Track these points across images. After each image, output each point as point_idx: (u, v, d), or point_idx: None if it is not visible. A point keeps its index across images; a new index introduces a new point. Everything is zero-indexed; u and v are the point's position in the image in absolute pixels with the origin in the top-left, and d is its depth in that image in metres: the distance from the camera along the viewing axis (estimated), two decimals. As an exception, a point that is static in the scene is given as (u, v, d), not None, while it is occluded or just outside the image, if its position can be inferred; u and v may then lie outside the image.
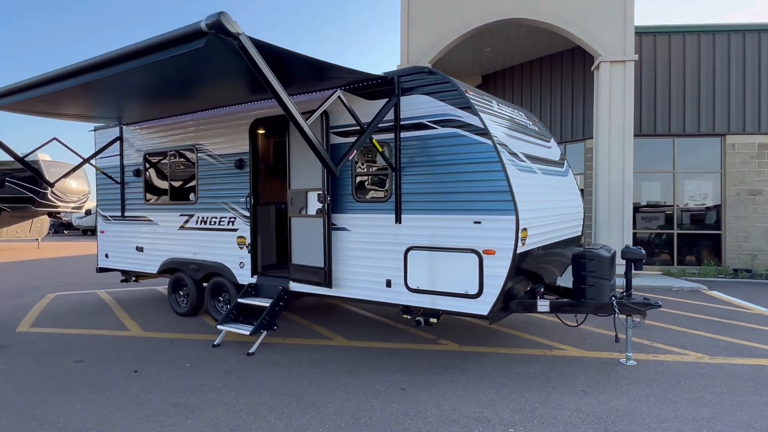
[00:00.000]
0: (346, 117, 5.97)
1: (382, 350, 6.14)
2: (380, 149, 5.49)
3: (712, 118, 12.83)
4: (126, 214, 8.71)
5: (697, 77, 12.87)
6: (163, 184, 8.23)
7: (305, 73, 5.42)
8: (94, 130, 9.28)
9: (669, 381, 5.09)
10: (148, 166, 8.42)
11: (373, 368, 5.49)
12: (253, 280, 6.93)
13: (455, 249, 5.23)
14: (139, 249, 8.46)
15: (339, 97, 5.11)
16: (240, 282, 7.12)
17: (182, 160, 7.93)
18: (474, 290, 5.12)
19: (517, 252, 4.91)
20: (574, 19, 11.52)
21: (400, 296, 5.64)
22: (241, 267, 7.08)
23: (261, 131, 7.57)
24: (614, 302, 5.48)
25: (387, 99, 5.64)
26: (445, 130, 5.27)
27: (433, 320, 5.73)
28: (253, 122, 6.92)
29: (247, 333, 6.07)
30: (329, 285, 6.02)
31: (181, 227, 7.83)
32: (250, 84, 6.06)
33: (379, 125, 5.72)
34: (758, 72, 12.70)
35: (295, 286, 6.47)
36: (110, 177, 8.69)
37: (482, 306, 5.10)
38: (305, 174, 6.22)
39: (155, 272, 8.26)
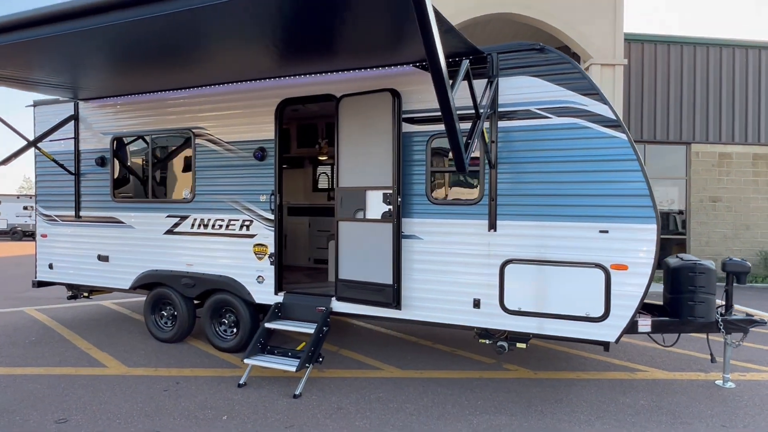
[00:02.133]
0: (419, 100, 4.88)
1: (451, 381, 5.13)
2: (488, 140, 4.48)
3: (679, 126, 13.24)
4: (83, 213, 6.84)
5: (667, 86, 13.21)
6: (142, 178, 6.53)
7: (380, 33, 4.22)
8: (34, 106, 7.25)
9: (791, 407, 4.63)
10: (118, 153, 6.65)
11: (463, 409, 4.47)
12: (279, 298, 5.58)
13: (573, 263, 4.37)
14: (102, 258, 6.66)
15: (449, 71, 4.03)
16: (257, 301, 5.72)
17: (172, 147, 6.31)
18: (598, 312, 4.29)
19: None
20: (568, 19, 11.23)
21: (492, 319, 4.68)
22: (260, 282, 5.69)
23: (288, 115, 6.20)
24: (719, 320, 4.93)
25: (480, 80, 4.65)
26: (561, 120, 4.39)
27: (521, 345, 4.84)
28: (281, 103, 5.57)
29: (294, 369, 4.76)
30: (398, 306, 4.89)
31: (169, 231, 6.22)
32: (282, 52, 4.77)
33: (465, 112, 4.71)
34: (719, 83, 13.30)
35: (342, 307, 5.25)
36: (62, 166, 6.77)
37: (608, 331, 4.29)
38: (364, 168, 5.03)
39: (127, 287, 6.53)
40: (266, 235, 5.64)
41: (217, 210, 5.92)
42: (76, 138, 6.86)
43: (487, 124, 4.63)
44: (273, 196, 5.58)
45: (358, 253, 5.06)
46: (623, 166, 4.20)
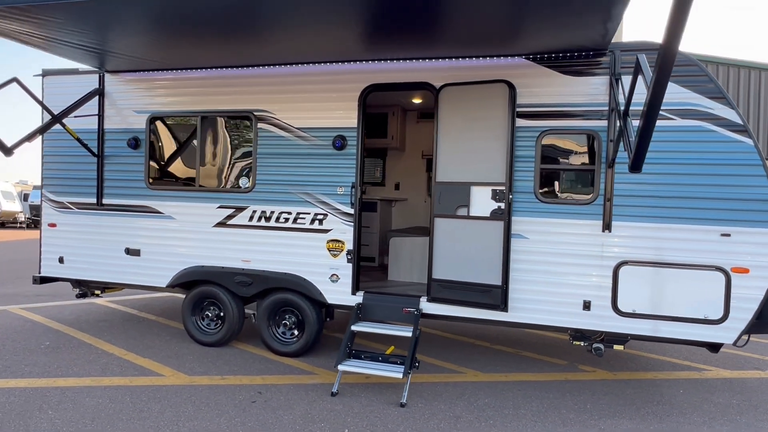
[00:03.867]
0: (530, 94, 4.70)
1: (542, 385, 5.00)
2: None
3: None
4: (107, 201, 6.04)
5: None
6: (187, 163, 5.86)
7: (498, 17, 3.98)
8: (43, 75, 6.31)
9: None
10: (156, 134, 5.92)
11: (580, 413, 4.35)
12: (357, 298, 5.19)
13: (692, 266, 4.38)
14: (132, 252, 5.92)
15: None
16: (329, 301, 5.30)
17: (228, 130, 5.70)
18: (717, 315, 4.33)
19: (775, 271, 4.25)
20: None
21: (603, 321, 4.60)
22: (334, 281, 5.27)
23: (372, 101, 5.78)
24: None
25: (598, 77, 4.55)
26: (686, 122, 4.37)
27: (619, 347, 4.82)
28: (366, 88, 5.17)
29: (400, 375, 4.42)
30: (505, 308, 4.68)
31: (221, 224, 5.62)
32: (372, 34, 4.45)
33: (584, 111, 4.61)
34: None
35: (435, 308, 4.97)
36: (86, 147, 5.93)
37: (726, 333, 4.34)
38: (468, 163, 4.77)
39: (163, 285, 5.85)
40: (343, 231, 5.23)
41: (283, 202, 5.42)
42: (101, 115, 6.04)
43: (598, 123, 4.54)
44: (354, 189, 5.18)
45: (459, 252, 4.80)
46: (748, 171, 4.25)
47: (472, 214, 4.75)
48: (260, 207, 5.49)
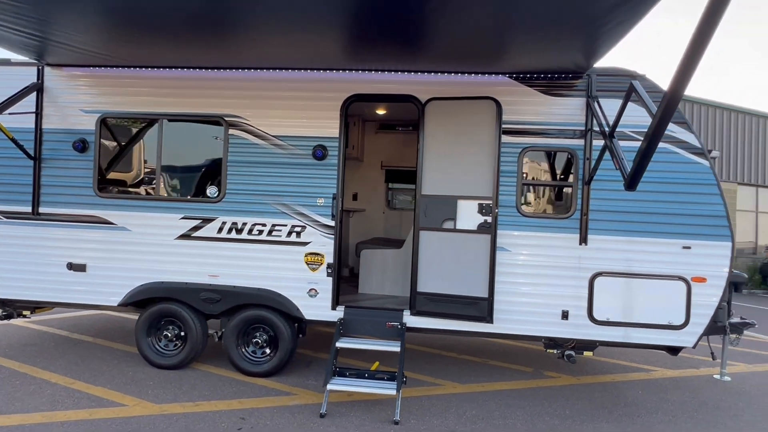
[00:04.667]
0: (513, 111, 4.86)
1: (519, 393, 5.15)
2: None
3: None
4: (44, 210, 5.36)
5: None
6: (144, 170, 5.36)
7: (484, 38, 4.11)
8: (-37, 64, 5.49)
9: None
10: (108, 137, 5.37)
11: (564, 420, 4.54)
12: (338, 313, 5.04)
13: (659, 276, 4.74)
14: (76, 267, 5.30)
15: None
16: (307, 317, 5.09)
17: (194, 136, 5.31)
18: (679, 321, 4.72)
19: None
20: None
21: (579, 330, 4.84)
22: (312, 296, 5.07)
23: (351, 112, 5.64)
24: (727, 324, 5.77)
25: (575, 98, 4.82)
26: (618, 145, 4.74)
27: (588, 353, 5.11)
28: (348, 98, 5.06)
29: (393, 392, 4.34)
30: (491, 319, 4.77)
31: (185, 236, 5.21)
32: (356, 43, 4.44)
33: (562, 130, 4.85)
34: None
35: (420, 322, 4.94)
36: (22, 148, 5.23)
37: (687, 338, 4.74)
38: (455, 176, 4.82)
39: (114, 304, 5.29)
40: (323, 243, 5.06)
41: (256, 213, 5.13)
42: (39, 113, 5.36)
43: (575, 141, 4.80)
44: (335, 200, 5.03)
45: (446, 265, 4.82)
46: (706, 189, 4.70)
47: (458, 227, 4.81)
48: (231, 218, 5.16)
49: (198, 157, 5.33)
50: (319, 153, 5.02)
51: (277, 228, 5.11)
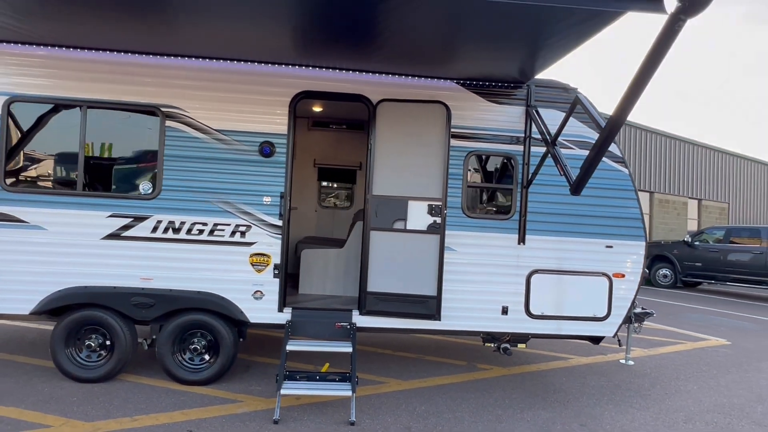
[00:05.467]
0: (459, 116, 5.06)
1: (460, 386, 5.38)
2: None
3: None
4: (-66, 205, 4.61)
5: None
6: (64, 160, 4.81)
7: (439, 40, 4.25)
8: None
9: (668, 371, 6.42)
10: (16, 123, 4.73)
11: (506, 409, 4.82)
12: (285, 315, 4.91)
13: (585, 272, 5.21)
14: (-24, 271, 4.63)
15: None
16: (252, 320, 4.90)
17: (123, 126, 4.85)
18: (602, 313, 5.23)
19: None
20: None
21: (518, 324, 5.17)
22: (258, 298, 4.89)
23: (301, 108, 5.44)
24: (633, 314, 6.49)
25: (515, 106, 5.13)
26: (582, 152, 5.17)
27: (522, 346, 5.50)
28: (297, 94, 4.94)
29: (350, 393, 4.32)
30: (439, 317, 4.92)
31: (113, 236, 4.76)
32: (306, 38, 4.42)
33: (503, 136, 5.14)
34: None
35: (369, 321, 4.97)
36: None
37: (609, 328, 5.26)
38: (405, 178, 4.90)
39: (26, 312, 4.70)
40: (270, 243, 4.89)
41: (196, 211, 4.83)
42: (-73, 92, 4.59)
43: (515, 147, 5.13)
44: (283, 199, 4.89)
45: (396, 264, 4.90)
46: (625, 195, 5.24)
47: (408, 227, 4.90)
48: (167, 216, 4.80)
49: (128, 149, 4.89)
50: (267, 150, 4.85)
51: (219, 227, 4.85)
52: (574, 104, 4.34)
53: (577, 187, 4.04)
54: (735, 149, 24.80)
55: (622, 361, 6.74)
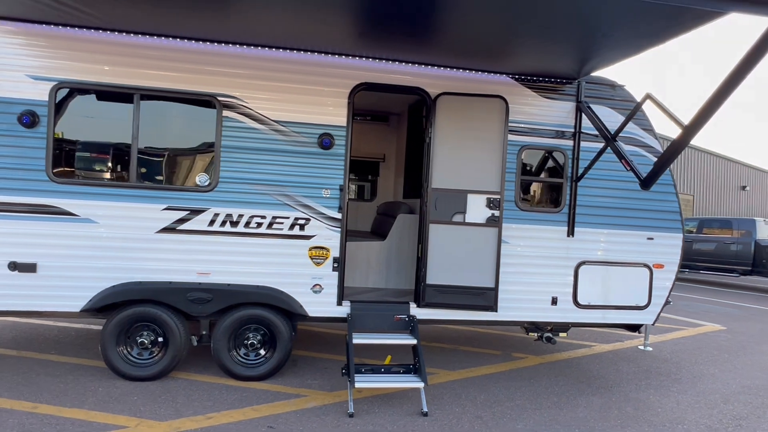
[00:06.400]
0: (514, 111, 5.13)
1: (505, 375, 5.51)
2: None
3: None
4: (-25, 197, 4.32)
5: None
6: (116, 150, 4.59)
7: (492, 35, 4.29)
8: None
9: (685, 355, 6.78)
10: (66, 109, 4.48)
11: (561, 396, 4.98)
12: (345, 309, 4.88)
13: (628, 263, 5.41)
14: (22, 267, 4.39)
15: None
16: (311, 314, 4.86)
17: (179, 115, 4.67)
18: (644, 302, 5.45)
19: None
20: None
21: (566, 314, 5.33)
22: (316, 292, 4.85)
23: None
24: (652, 302, 6.80)
25: (565, 102, 5.25)
26: (627, 147, 5.36)
27: (563, 335, 5.68)
28: (357, 86, 4.88)
29: (421, 384, 4.36)
30: (496, 308, 5.01)
31: (168, 229, 4.60)
32: (366, 29, 4.40)
33: (553, 131, 5.25)
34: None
35: (427, 313, 5.01)
36: (-53, 118, 4.12)
37: (649, 316, 5.50)
38: (465, 171, 4.94)
39: (77, 309, 4.50)
40: (329, 237, 4.84)
41: (255, 204, 4.72)
42: (-35, 75, 4.28)
43: (565, 142, 5.26)
44: (342, 192, 4.84)
45: (455, 257, 4.94)
46: (665, 188, 5.46)
47: (468, 220, 4.95)
48: (225, 209, 4.67)
49: (183, 139, 4.71)
50: (327, 142, 4.78)
51: (278, 220, 4.76)
52: (642, 101, 4.48)
53: (647, 182, 4.19)
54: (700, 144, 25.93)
55: (641, 347, 7.05)
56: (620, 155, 4.59)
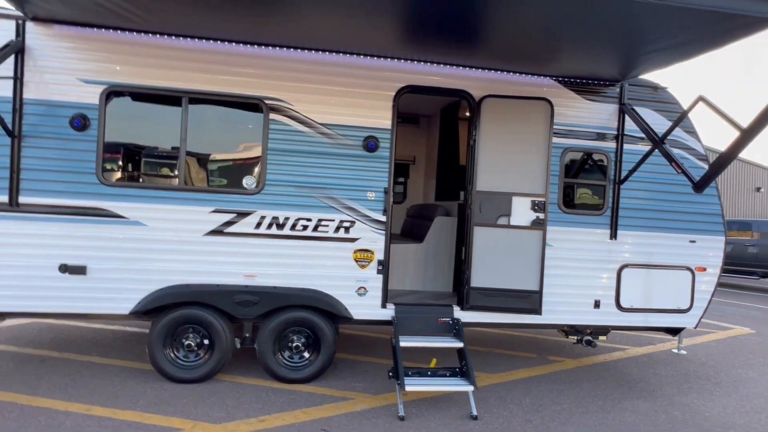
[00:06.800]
0: (558, 114, 5.11)
1: (545, 379, 5.49)
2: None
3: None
4: (25, 200, 4.35)
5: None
6: (164, 153, 4.61)
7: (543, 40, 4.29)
8: None
9: (720, 359, 6.72)
10: (115, 113, 4.50)
11: (604, 400, 4.95)
12: (389, 311, 4.88)
13: (670, 266, 5.38)
14: (73, 270, 4.41)
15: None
16: (356, 317, 4.86)
17: (226, 118, 4.69)
18: (686, 305, 5.41)
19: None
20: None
21: (608, 317, 5.30)
22: (361, 294, 4.85)
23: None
24: (688, 305, 6.75)
25: (608, 104, 5.22)
26: (670, 149, 5.34)
27: (603, 338, 5.65)
28: (401, 89, 4.88)
29: (471, 388, 4.35)
30: (540, 311, 4.99)
31: (216, 232, 4.61)
32: (410, 32, 4.38)
33: (596, 133, 5.23)
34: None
35: (471, 316, 4.99)
36: (2, 122, 4.15)
37: (691, 320, 5.46)
38: (509, 173, 4.93)
39: (126, 312, 4.51)
40: (373, 239, 4.84)
41: (301, 207, 4.73)
42: (19, 79, 4.30)
43: (607, 144, 5.23)
44: (387, 195, 4.84)
45: (499, 260, 4.93)
46: (708, 191, 5.41)
47: (512, 223, 4.94)
48: (271, 212, 4.68)
49: (231, 142, 4.72)
50: (372, 144, 4.78)
51: (323, 223, 4.76)
52: (693, 105, 4.46)
53: (701, 185, 4.16)
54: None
55: (675, 351, 7.00)
56: (670, 158, 4.56)
